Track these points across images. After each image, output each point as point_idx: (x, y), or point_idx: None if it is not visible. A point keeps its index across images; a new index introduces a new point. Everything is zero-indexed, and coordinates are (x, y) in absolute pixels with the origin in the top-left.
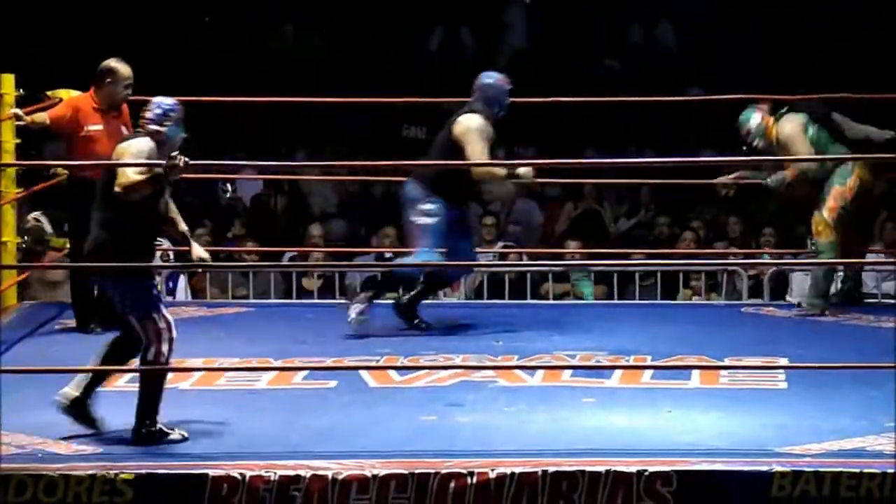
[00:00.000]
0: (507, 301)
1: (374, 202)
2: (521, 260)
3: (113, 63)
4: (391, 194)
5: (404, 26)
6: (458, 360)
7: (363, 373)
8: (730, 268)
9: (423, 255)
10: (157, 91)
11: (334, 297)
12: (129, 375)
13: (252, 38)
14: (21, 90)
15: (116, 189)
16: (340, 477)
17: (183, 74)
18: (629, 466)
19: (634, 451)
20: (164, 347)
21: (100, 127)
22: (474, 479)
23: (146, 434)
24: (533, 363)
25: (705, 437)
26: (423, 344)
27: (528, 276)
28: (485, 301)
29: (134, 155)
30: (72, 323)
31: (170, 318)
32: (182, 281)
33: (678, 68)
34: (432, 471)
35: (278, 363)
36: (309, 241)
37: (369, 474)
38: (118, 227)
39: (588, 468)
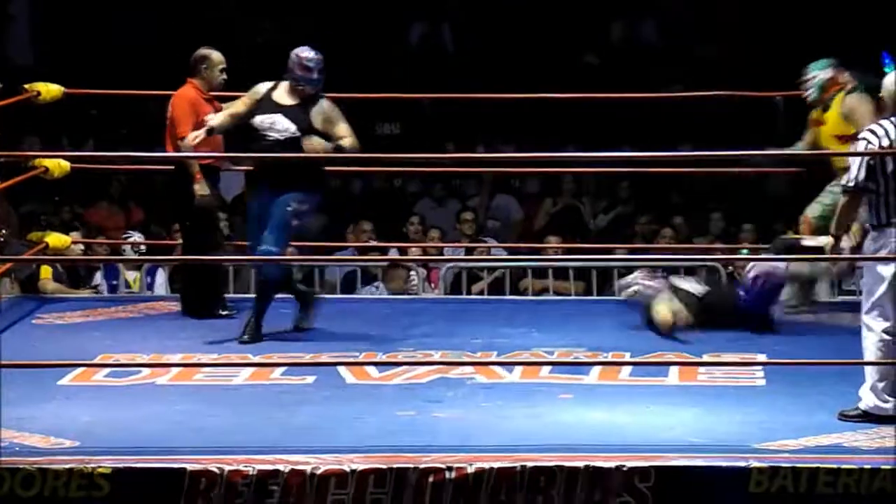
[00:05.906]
0: (485, 297)
1: (353, 197)
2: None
3: (204, 50)
4: (371, 189)
5: (383, 20)
6: (436, 357)
7: (341, 369)
8: (709, 264)
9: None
10: (132, 87)
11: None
12: (107, 370)
13: (229, 31)
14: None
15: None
16: (319, 472)
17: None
18: (607, 462)
19: (613, 446)
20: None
21: (213, 115)
22: (453, 474)
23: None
24: (511, 359)
25: (683, 433)
26: (401, 340)
27: (507, 271)
28: (463, 297)
29: None
30: (49, 317)
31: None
32: (161, 276)
33: (659, 65)
34: (411, 465)
35: (257, 358)
36: None
37: (348, 469)
38: None
39: (566, 463)
